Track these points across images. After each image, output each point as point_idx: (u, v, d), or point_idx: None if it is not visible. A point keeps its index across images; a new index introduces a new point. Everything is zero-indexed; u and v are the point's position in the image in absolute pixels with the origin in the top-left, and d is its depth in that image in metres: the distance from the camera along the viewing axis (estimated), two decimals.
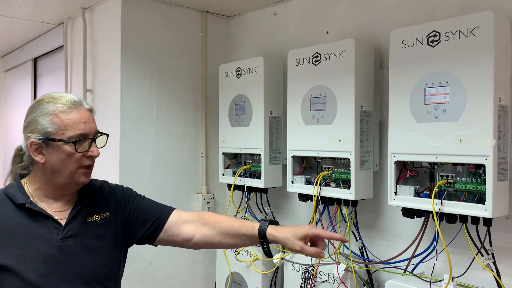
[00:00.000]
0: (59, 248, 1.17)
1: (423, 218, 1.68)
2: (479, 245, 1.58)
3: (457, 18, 1.52)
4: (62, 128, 1.16)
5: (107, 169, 2.44)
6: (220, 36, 2.77)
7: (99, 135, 1.24)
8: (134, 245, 2.46)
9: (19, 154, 1.27)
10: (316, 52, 1.98)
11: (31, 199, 1.19)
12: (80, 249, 1.19)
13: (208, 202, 2.65)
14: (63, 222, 1.20)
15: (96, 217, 1.26)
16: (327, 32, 2.24)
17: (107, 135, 1.26)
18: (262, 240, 1.24)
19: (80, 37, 2.69)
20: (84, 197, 1.26)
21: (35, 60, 3.62)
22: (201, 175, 2.69)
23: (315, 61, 1.98)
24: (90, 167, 1.23)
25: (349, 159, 1.86)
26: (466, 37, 1.49)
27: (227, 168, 2.50)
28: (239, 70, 2.37)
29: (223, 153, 2.49)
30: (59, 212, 1.21)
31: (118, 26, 2.38)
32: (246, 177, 2.36)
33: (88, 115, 1.22)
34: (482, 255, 1.57)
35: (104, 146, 1.26)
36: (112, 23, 2.44)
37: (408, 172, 1.71)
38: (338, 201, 1.95)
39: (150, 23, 2.48)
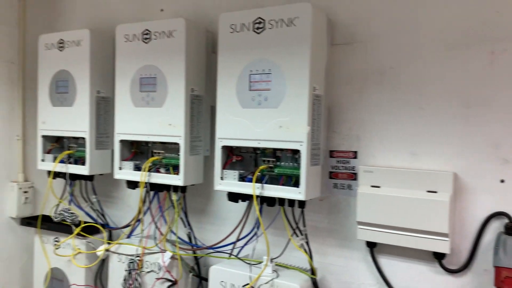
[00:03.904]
0: None
1: (248, 202, 1.71)
2: (295, 226, 1.66)
3: (280, 7, 1.56)
4: None
5: None
6: (43, 3, 2.44)
7: None
8: None
9: None
10: (147, 29, 1.85)
11: None
12: None
13: (25, 192, 2.34)
14: None
15: None
16: (162, 10, 2.13)
17: None
18: None
19: None
20: None
21: None
22: (16, 160, 2.34)
23: (145, 38, 1.86)
24: None
25: (179, 144, 1.80)
26: (288, 26, 1.54)
27: (48, 153, 2.22)
28: (61, 43, 2.11)
29: (43, 136, 2.20)
30: None
31: None
32: (70, 163, 2.13)
33: None
34: (297, 236, 1.66)
35: None
36: None
37: (234, 157, 1.72)
38: (167, 187, 1.88)
39: None
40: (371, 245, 1.61)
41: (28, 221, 2.25)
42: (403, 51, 1.58)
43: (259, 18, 1.59)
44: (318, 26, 1.56)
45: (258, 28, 1.59)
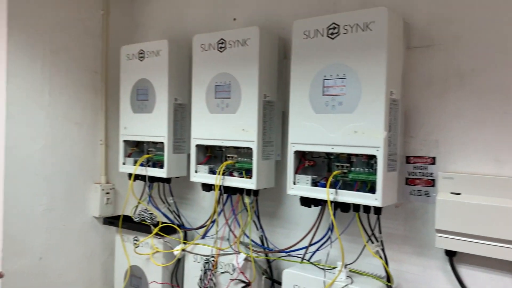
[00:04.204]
0: None
1: (320, 207, 1.71)
2: (370, 233, 1.65)
3: (355, 12, 1.55)
4: None
5: None
6: (123, 16, 2.61)
7: None
8: (22, 238, 2.22)
9: None
10: (222, 39, 1.92)
11: None
12: None
13: (107, 193, 2.50)
14: None
15: None
16: (235, 19, 2.20)
17: None
18: None
19: None
20: None
21: None
22: (99, 164, 2.52)
23: (220, 47, 1.93)
24: None
25: (251, 149, 1.84)
26: (363, 31, 1.53)
27: (129, 156, 2.36)
28: (142, 53, 2.24)
29: (124, 141, 2.35)
30: None
31: None
32: (149, 166, 2.25)
33: None
34: (373, 242, 1.64)
35: None
36: None
37: (307, 162, 1.73)
38: (240, 191, 1.93)
39: None
40: (451, 254, 1.56)
41: (110, 221, 2.41)
42: (485, 53, 1.51)
43: (334, 23, 1.60)
44: (394, 29, 1.54)
45: (332, 34, 1.60)
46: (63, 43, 2.33)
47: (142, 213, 2.24)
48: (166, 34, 2.47)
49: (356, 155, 1.61)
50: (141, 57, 2.24)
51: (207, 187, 2.02)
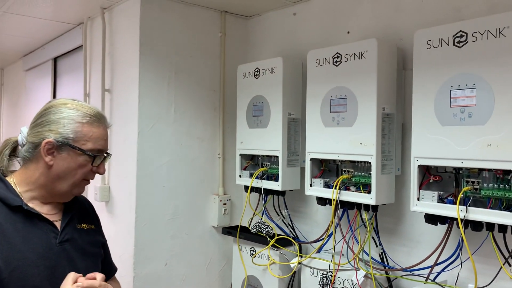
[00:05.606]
0: (57, 252, 1.17)
1: (447, 224, 1.62)
2: (506, 254, 1.51)
3: (485, 18, 1.46)
4: (85, 139, 1.18)
5: (124, 169, 2.43)
6: (238, 36, 2.75)
7: (108, 154, 1.26)
8: (151, 245, 2.43)
9: (11, 147, 1.24)
10: (337, 53, 1.93)
11: (24, 200, 1.17)
12: (76, 254, 1.20)
13: (224, 204, 2.62)
14: (57, 225, 1.20)
15: (84, 226, 1.28)
16: (348, 32, 2.19)
17: (110, 155, 1.28)
18: None
19: (99, 37, 2.69)
20: (71, 204, 1.27)
21: (55, 59, 3.66)
22: (218, 176, 2.66)
23: (336, 61, 1.94)
24: (89, 182, 1.26)
25: (370, 163, 1.81)
26: (495, 37, 1.43)
27: (244, 169, 2.46)
28: (257, 71, 2.34)
29: (240, 155, 2.46)
30: (50, 215, 1.20)
31: (137, 26, 2.37)
32: (264, 179, 2.33)
33: (107, 132, 1.25)
34: (510, 265, 1.51)
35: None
36: (131, 23, 2.43)
37: (432, 177, 1.65)
38: (358, 206, 1.90)
39: (168, 23, 2.46)
40: None
41: (229, 230, 2.52)
42: None
43: (461, 31, 1.52)
44: None
45: (459, 42, 1.52)
46: (186, 64, 2.53)
47: (259, 224, 2.31)
48: (278, 51, 2.55)
49: (489, 170, 1.50)
50: (257, 74, 2.34)
51: (323, 201, 2.02)
